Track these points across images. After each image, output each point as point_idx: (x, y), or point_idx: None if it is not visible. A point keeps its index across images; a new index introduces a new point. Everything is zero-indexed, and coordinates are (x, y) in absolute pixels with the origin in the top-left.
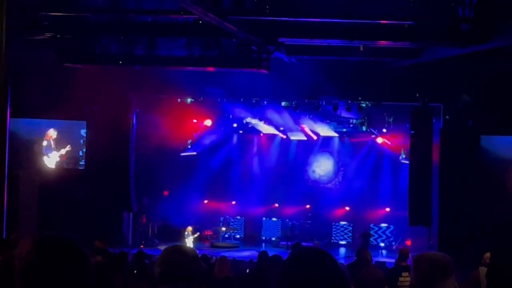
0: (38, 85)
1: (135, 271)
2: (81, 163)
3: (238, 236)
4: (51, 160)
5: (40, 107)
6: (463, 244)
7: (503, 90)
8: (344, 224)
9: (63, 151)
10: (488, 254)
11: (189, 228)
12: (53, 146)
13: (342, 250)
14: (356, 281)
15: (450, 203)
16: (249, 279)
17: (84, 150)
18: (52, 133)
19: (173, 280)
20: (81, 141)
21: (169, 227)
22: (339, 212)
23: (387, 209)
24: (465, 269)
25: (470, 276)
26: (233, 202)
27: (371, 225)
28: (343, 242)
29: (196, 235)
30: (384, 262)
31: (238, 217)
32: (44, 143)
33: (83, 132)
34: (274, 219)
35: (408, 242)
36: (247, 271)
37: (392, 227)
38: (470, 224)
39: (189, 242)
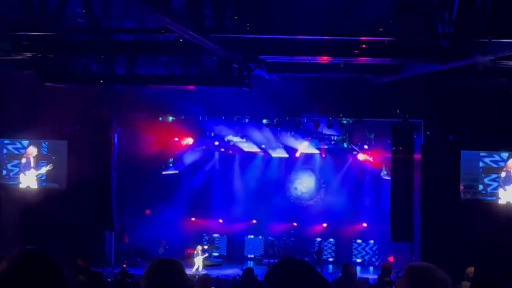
0: (19, 105)
1: None
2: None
3: (220, 254)
4: (28, 178)
5: (21, 127)
6: (446, 259)
7: (483, 105)
8: (328, 241)
9: (43, 170)
10: (470, 269)
11: (199, 248)
12: (32, 164)
13: (330, 267)
14: None
15: (432, 218)
16: None
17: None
18: (32, 150)
19: None
20: (63, 159)
21: (151, 246)
22: (321, 229)
23: (369, 225)
24: None
25: None
26: (220, 220)
27: (355, 241)
28: (330, 259)
29: (206, 255)
30: (367, 278)
31: (221, 235)
32: (23, 160)
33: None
34: (257, 236)
35: (391, 258)
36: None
37: (372, 243)
38: (452, 239)
39: (199, 261)
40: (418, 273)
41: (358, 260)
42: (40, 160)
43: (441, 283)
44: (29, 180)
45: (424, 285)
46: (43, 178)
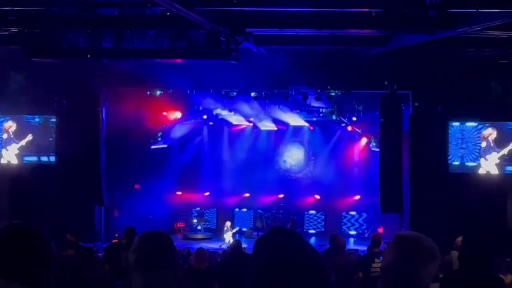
0: (6, 80)
1: (107, 265)
2: (46, 156)
3: (210, 228)
4: (10, 153)
5: (8, 103)
6: (435, 229)
7: (471, 76)
8: (317, 214)
9: (23, 142)
10: (459, 239)
11: (228, 223)
12: (13, 138)
13: (313, 239)
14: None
15: (421, 189)
16: (224, 269)
17: (50, 139)
18: (10, 124)
19: (147, 267)
20: (46, 130)
21: (141, 220)
22: (310, 201)
23: (358, 197)
24: None
25: (442, 259)
26: (206, 194)
27: (345, 213)
28: (312, 231)
29: (235, 230)
30: (357, 250)
31: (210, 209)
32: (4, 136)
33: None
34: (246, 209)
35: (380, 229)
36: (218, 260)
37: (364, 215)
38: (441, 209)
39: (228, 237)
40: (406, 242)
41: (352, 232)
42: (20, 133)
43: (429, 251)
44: (11, 155)
45: (412, 254)
46: (26, 152)
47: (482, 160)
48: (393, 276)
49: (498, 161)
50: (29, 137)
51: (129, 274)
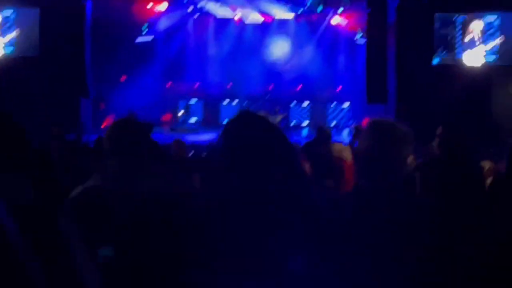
0: None
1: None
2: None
3: (196, 120)
4: None
5: None
6: (420, 120)
7: None
8: (303, 105)
9: (8, 38)
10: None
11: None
12: None
13: (305, 131)
14: (316, 157)
15: (406, 80)
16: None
17: (33, 32)
18: None
19: (122, 154)
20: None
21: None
22: (296, 93)
23: (343, 88)
24: (421, 145)
25: (425, 149)
26: (196, 85)
27: (331, 104)
28: (305, 124)
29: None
30: (342, 142)
31: (197, 101)
32: None
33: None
34: (233, 101)
35: (365, 121)
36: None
37: (350, 106)
38: (426, 101)
39: None
40: (381, 126)
41: (335, 123)
42: (5, 27)
43: (403, 134)
44: None
45: (386, 137)
46: (12, 48)
47: (468, 52)
48: (368, 159)
49: (484, 53)
50: (17, 31)
51: (104, 160)
